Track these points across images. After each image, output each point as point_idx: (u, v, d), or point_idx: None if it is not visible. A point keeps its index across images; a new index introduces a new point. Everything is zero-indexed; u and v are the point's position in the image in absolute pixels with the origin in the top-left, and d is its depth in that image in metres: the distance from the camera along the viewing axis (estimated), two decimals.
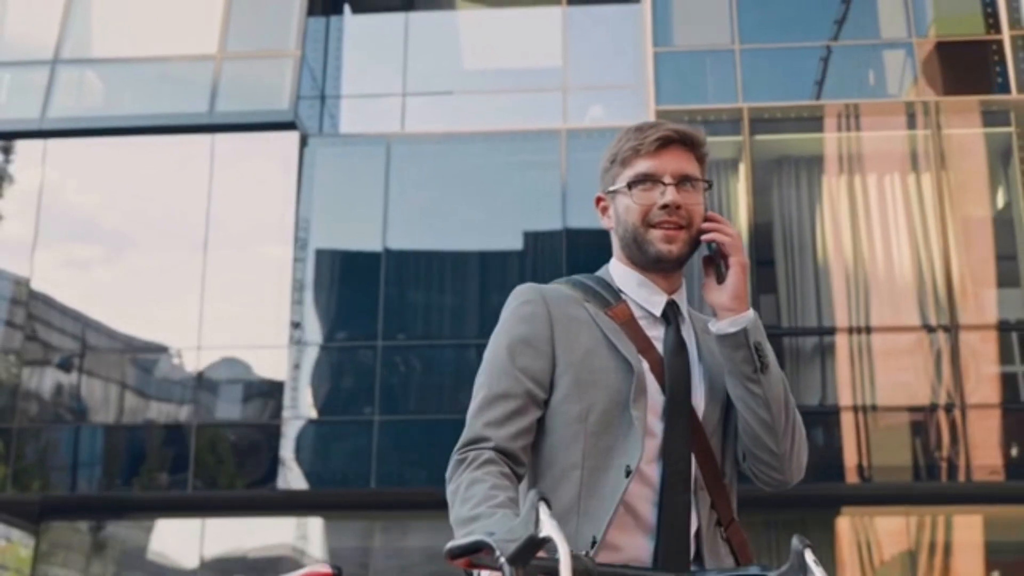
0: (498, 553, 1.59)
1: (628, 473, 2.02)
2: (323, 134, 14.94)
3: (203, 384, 13.60)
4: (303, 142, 13.98)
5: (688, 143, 2.20)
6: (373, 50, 15.60)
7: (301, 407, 13.27)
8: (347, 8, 16.06)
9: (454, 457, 2.03)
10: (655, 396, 2.09)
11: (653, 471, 2.07)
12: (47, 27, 14.59)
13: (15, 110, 14.39)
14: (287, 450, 13.11)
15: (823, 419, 12.31)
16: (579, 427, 2.07)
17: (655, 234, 2.15)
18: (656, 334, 2.17)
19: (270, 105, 13.83)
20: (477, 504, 1.87)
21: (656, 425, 2.08)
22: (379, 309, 13.24)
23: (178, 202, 14.06)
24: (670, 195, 2.14)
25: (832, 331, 12.67)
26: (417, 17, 15.55)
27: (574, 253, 13.20)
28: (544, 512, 1.64)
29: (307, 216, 13.70)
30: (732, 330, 2.09)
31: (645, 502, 2.06)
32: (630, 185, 2.17)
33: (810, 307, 12.91)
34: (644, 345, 2.13)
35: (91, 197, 14.62)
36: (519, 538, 1.60)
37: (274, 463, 13.10)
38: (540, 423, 2.11)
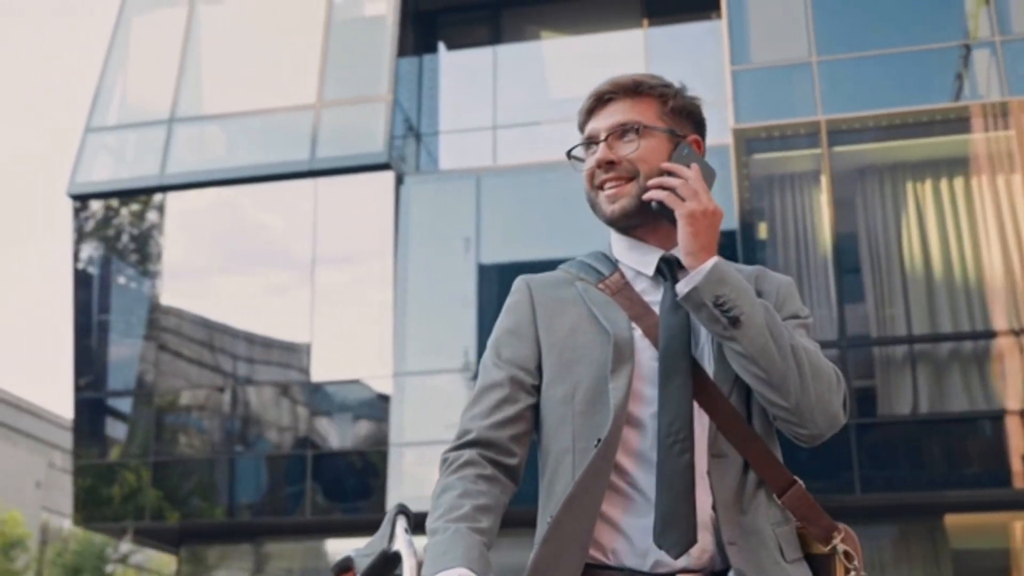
0: (357, 570, 1.57)
1: (596, 444, 1.86)
2: (419, 172, 15.63)
3: (316, 411, 14.49)
4: (398, 181, 14.70)
5: (630, 92, 2.05)
6: (464, 86, 16.21)
7: (406, 433, 13.95)
8: (441, 46, 16.71)
9: (441, 458, 1.95)
10: (650, 362, 1.93)
11: (649, 441, 1.90)
12: (163, 88, 15.72)
13: (139, 167, 15.57)
14: (392, 475, 13.81)
15: (931, 428, 12.32)
16: (566, 409, 1.93)
17: (602, 196, 2.04)
18: (657, 297, 2.01)
19: (366, 148, 14.57)
20: (439, 516, 1.79)
21: (651, 391, 1.92)
22: (474, 338, 13.85)
23: (286, 244, 14.99)
24: (600, 152, 2.02)
25: (922, 339, 12.64)
26: (504, 50, 16.08)
27: None
28: (400, 525, 1.60)
29: (404, 252, 14.40)
30: (684, 290, 1.90)
31: (645, 476, 1.89)
32: (568, 155, 2.11)
33: (899, 315, 12.91)
34: (639, 311, 1.98)
35: (204, 245, 15.70)
36: (373, 553, 1.57)
37: (383, 488, 13.84)
38: (539, 413, 2.00)
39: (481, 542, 1.76)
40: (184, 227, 15.74)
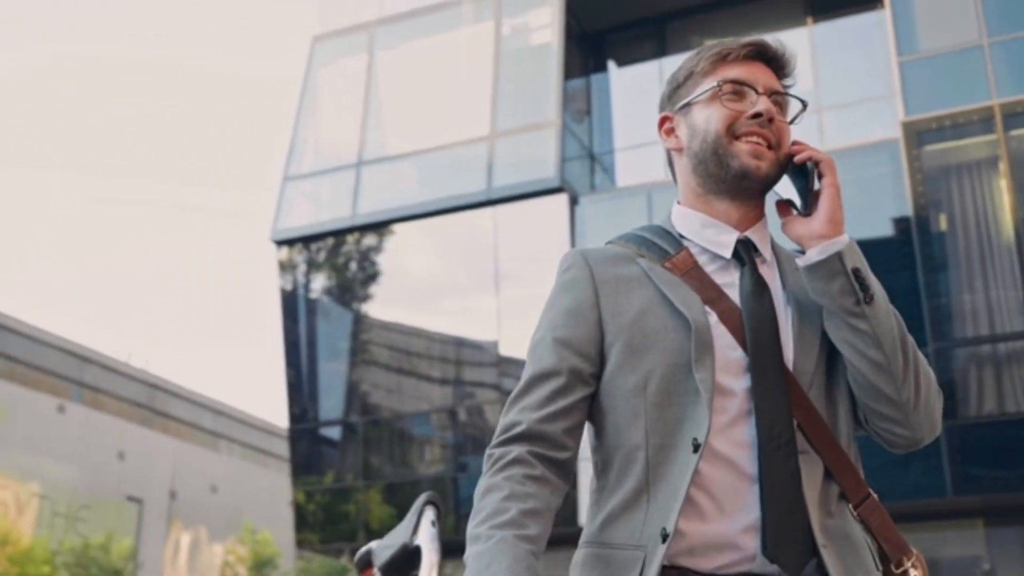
0: (376, 563, 1.48)
1: (696, 448, 1.70)
2: (594, 192, 15.98)
3: None
4: (573, 202, 15.09)
5: (777, 63, 1.94)
6: (634, 101, 16.44)
7: None
8: (610, 64, 17.01)
9: (486, 454, 1.80)
10: (729, 351, 1.77)
11: (740, 440, 1.74)
12: (350, 133, 16.69)
13: (334, 210, 16.59)
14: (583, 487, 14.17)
15: None
16: (638, 401, 1.76)
17: (741, 147, 1.84)
18: (729, 280, 1.86)
19: (539, 174, 15.04)
20: (482, 521, 1.66)
21: (735, 384, 1.76)
22: None
23: (471, 272, 15.65)
24: (763, 103, 1.85)
25: None
26: (670, 62, 16.19)
27: None
28: (427, 518, 1.51)
29: None
30: (822, 256, 1.75)
31: (736, 478, 1.72)
32: (720, 86, 1.88)
33: None
34: (712, 294, 1.82)
35: (397, 275, 16.57)
36: (394, 545, 1.48)
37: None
38: (598, 403, 1.84)
39: (529, 552, 1.63)
40: (382, 260, 16.65)
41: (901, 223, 13.32)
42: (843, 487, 1.77)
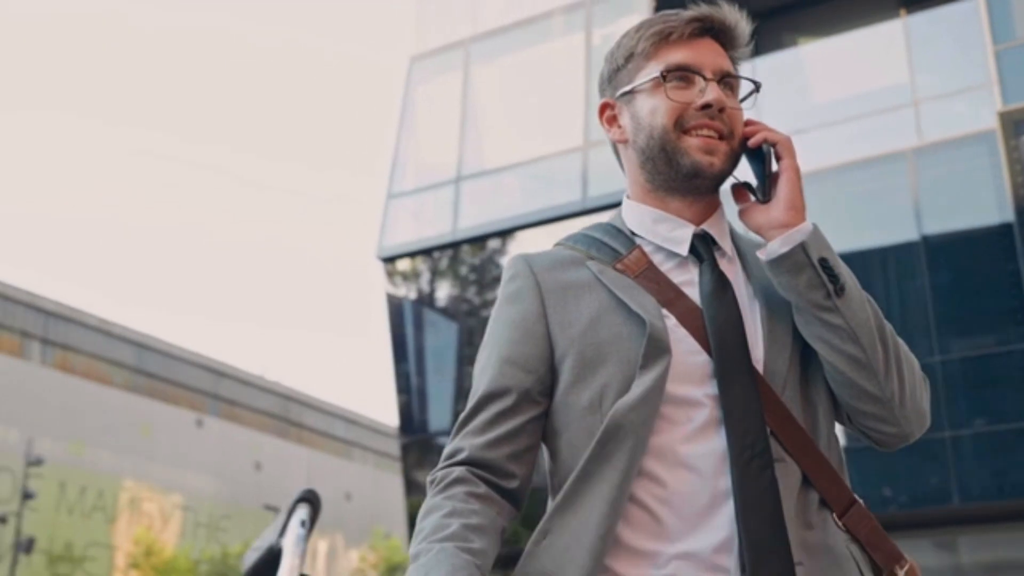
0: (243, 566, 1.39)
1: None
2: None
3: None
4: None
5: (726, 36, 1.76)
6: None
7: None
8: None
9: (427, 479, 1.69)
10: (690, 357, 1.62)
11: (706, 453, 1.58)
12: (448, 149, 17.06)
13: (436, 225, 16.99)
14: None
15: None
16: (593, 419, 1.61)
17: (691, 142, 1.68)
18: (688, 278, 1.71)
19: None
20: (424, 539, 1.54)
21: (699, 392, 1.61)
22: None
23: None
24: (712, 92, 1.68)
25: None
26: (763, 62, 16.11)
27: (936, 266, 13.17)
28: (297, 516, 1.38)
29: None
30: (785, 249, 1.62)
31: (706, 493, 1.57)
32: (663, 76, 1.71)
33: None
34: (670, 295, 1.67)
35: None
36: (261, 548, 1.37)
37: None
38: (551, 423, 1.69)
39: (471, 563, 1.50)
40: (487, 271, 16.97)
41: (1001, 215, 13.03)
42: (824, 495, 1.62)
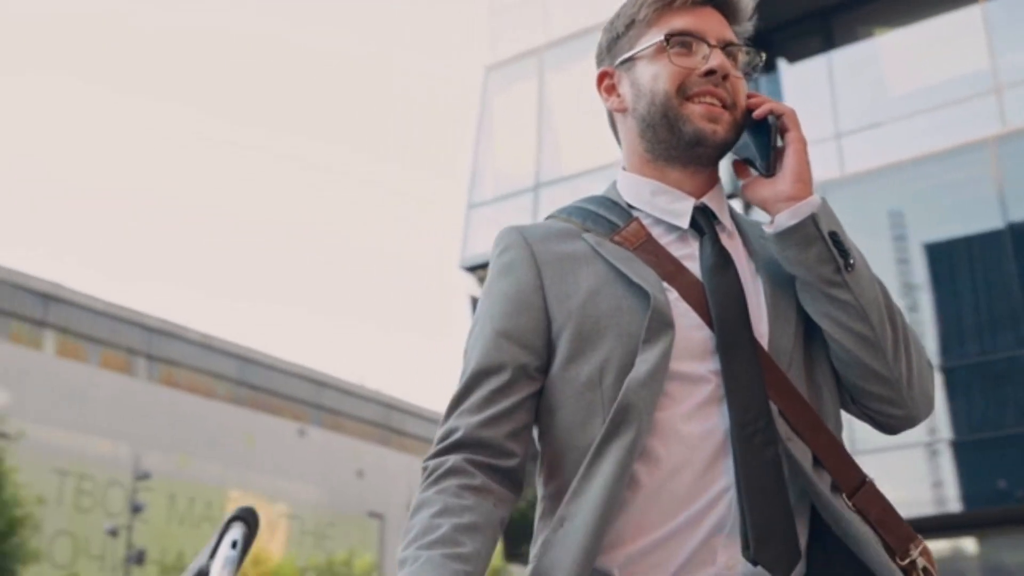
0: None
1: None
2: None
3: None
4: (747, 208, 15.05)
5: (729, 7, 1.73)
6: (803, 99, 16.24)
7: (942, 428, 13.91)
8: (780, 63, 16.86)
9: (420, 467, 1.60)
10: (693, 332, 1.56)
11: (707, 430, 1.52)
12: (526, 157, 17.20)
13: None
14: (944, 471, 13.82)
15: None
16: (593, 395, 1.55)
17: (694, 109, 1.64)
18: (687, 252, 1.66)
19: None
20: (410, 543, 1.47)
21: (702, 367, 1.55)
22: None
23: None
24: (716, 58, 1.65)
25: None
26: (839, 55, 15.94)
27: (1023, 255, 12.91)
28: (230, 537, 1.32)
29: None
30: (794, 221, 1.57)
31: (707, 471, 1.51)
32: (667, 40, 1.67)
33: None
34: (670, 269, 1.61)
35: None
36: (192, 570, 1.32)
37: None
38: (545, 400, 1.62)
39: (461, 572, 1.43)
40: None
41: None
42: (835, 475, 1.56)
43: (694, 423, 1.54)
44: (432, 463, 1.57)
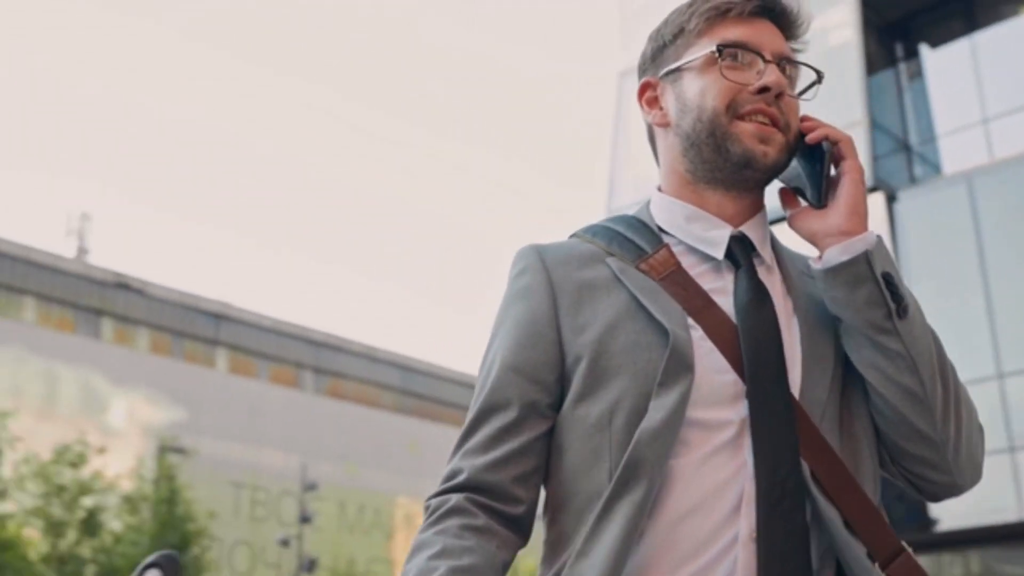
0: None
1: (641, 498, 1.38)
2: (914, 185, 15.43)
3: None
4: (890, 200, 14.70)
5: (786, 20, 1.59)
6: (946, 85, 15.73)
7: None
8: (922, 49, 16.38)
9: (423, 505, 1.53)
10: (716, 375, 1.43)
11: (723, 482, 1.40)
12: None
13: None
14: None
15: None
16: (601, 437, 1.43)
17: (744, 128, 1.50)
18: (719, 285, 1.52)
19: None
20: None
21: (724, 415, 1.42)
22: None
23: None
24: (772, 74, 1.50)
25: None
26: (983, 37, 15.39)
27: None
28: None
29: (907, 269, 14.35)
30: (845, 257, 1.43)
31: (714, 532, 1.39)
32: (719, 51, 1.53)
33: None
34: (698, 303, 1.48)
35: None
36: None
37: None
38: (555, 439, 1.51)
39: None
40: None
41: None
42: (868, 543, 1.40)
43: (709, 470, 1.40)
44: (434, 502, 1.49)
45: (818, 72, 1.59)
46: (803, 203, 1.55)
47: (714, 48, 1.53)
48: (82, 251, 41.17)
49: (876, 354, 1.45)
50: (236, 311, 41.16)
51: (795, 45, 1.60)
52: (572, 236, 1.64)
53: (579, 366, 1.48)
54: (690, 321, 1.47)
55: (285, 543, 28.21)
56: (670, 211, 1.59)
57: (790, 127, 1.53)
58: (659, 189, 1.65)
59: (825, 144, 1.52)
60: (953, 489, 1.54)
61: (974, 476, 1.54)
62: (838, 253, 1.45)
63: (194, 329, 40.39)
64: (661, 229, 1.59)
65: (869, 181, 14.47)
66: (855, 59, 15.17)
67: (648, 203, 1.65)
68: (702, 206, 1.57)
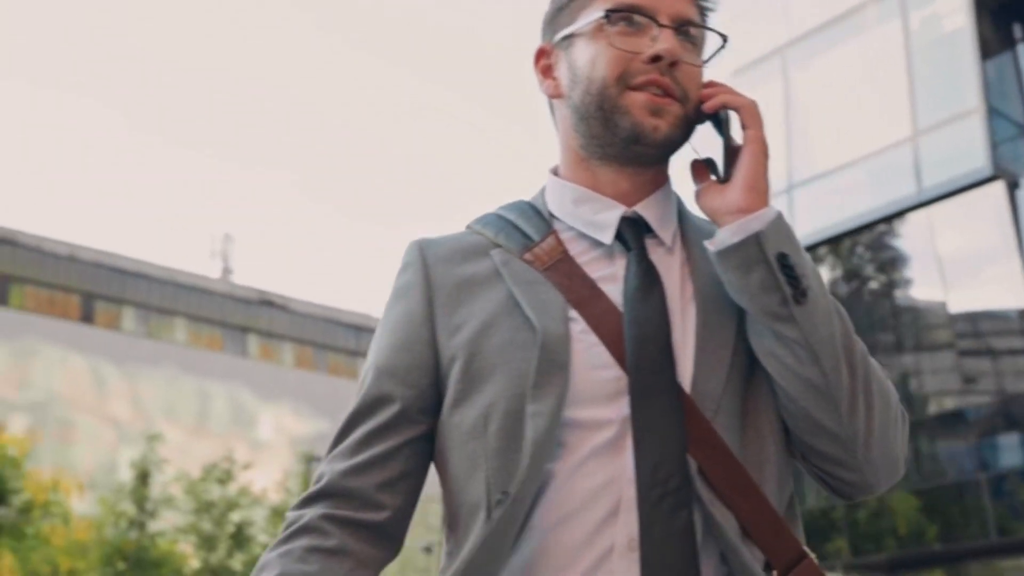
0: None
1: (496, 503, 1.30)
2: None
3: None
4: (1012, 187, 14.26)
5: None
6: None
7: None
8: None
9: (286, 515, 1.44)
10: (597, 372, 1.34)
11: (602, 485, 1.30)
12: (776, 160, 16.96)
13: None
14: None
15: None
16: (476, 444, 1.34)
17: (635, 99, 1.39)
18: (609, 272, 1.42)
19: (969, 166, 14.40)
20: None
21: (606, 413, 1.32)
22: None
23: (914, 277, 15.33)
24: (665, 41, 1.38)
25: None
26: None
27: None
28: None
29: None
30: (736, 239, 1.32)
31: (591, 539, 1.29)
32: (608, 17, 1.41)
33: None
34: (584, 294, 1.38)
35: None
36: None
37: None
38: (439, 446, 1.42)
39: None
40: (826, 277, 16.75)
41: None
42: (765, 549, 1.30)
43: (584, 474, 1.30)
44: (291, 515, 1.41)
45: (723, 36, 1.47)
46: (713, 176, 1.43)
47: (603, 13, 1.42)
48: (227, 271, 42.73)
49: (775, 343, 1.32)
50: (375, 322, 41.99)
51: (705, 4, 1.47)
52: (467, 227, 1.54)
53: (453, 369, 1.39)
54: (572, 314, 1.37)
55: (428, 550, 28.70)
56: (560, 194, 1.50)
57: (688, 97, 1.41)
58: (552, 171, 1.54)
59: (722, 113, 1.41)
60: (865, 488, 1.41)
61: (890, 473, 1.41)
62: (729, 234, 1.33)
63: (336, 342, 41.47)
64: (552, 215, 1.50)
65: (988, 169, 14.09)
66: (969, 44, 14.75)
67: (544, 187, 1.55)
68: (595, 185, 1.47)
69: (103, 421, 35.02)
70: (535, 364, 1.32)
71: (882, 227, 15.70)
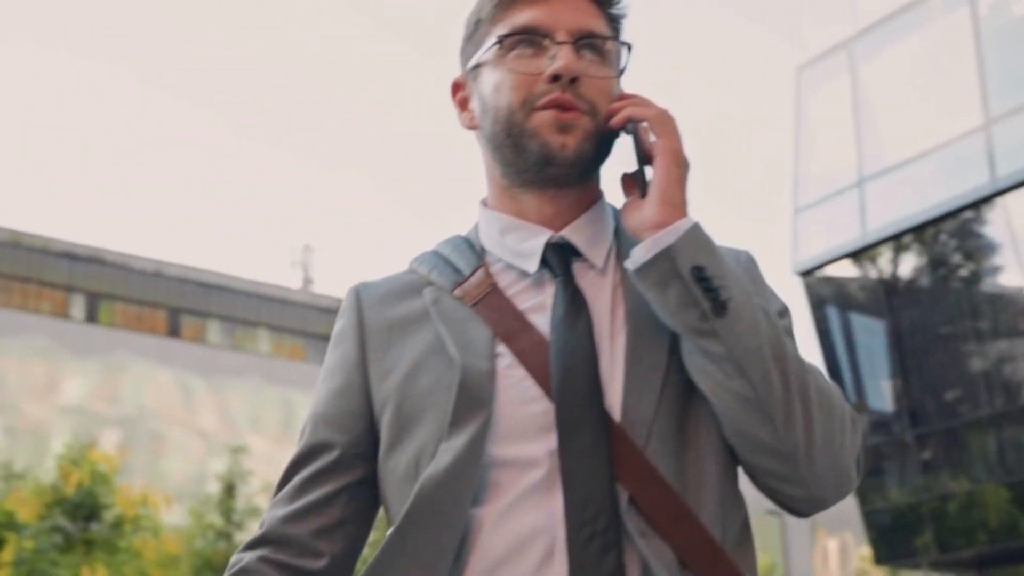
0: None
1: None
2: None
3: None
4: None
5: None
6: None
7: None
8: None
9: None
10: (524, 406, 1.31)
11: (538, 526, 1.25)
12: (846, 154, 16.79)
13: (844, 231, 16.74)
14: None
15: None
16: (410, 490, 1.30)
17: (541, 119, 1.35)
18: (538, 301, 1.39)
19: None
20: None
21: (535, 449, 1.28)
22: None
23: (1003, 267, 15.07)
24: (562, 58, 1.35)
25: None
26: None
27: None
28: None
29: None
30: (649, 256, 1.28)
31: None
32: (500, 44, 1.39)
33: None
34: (513, 327, 1.35)
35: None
36: None
37: None
38: (381, 491, 1.41)
39: None
40: (901, 275, 16.51)
41: None
42: None
43: (515, 516, 1.26)
44: (234, 557, 1.40)
45: (627, 44, 1.43)
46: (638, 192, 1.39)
47: (497, 39, 1.40)
48: (307, 281, 43.34)
49: (703, 359, 1.28)
50: None
51: (614, 11, 1.43)
52: (409, 266, 1.52)
53: (385, 414, 1.38)
54: (500, 348, 1.34)
55: None
56: (489, 225, 1.47)
57: (596, 110, 1.37)
58: (482, 203, 1.51)
59: (629, 126, 1.37)
60: (815, 503, 1.34)
61: (839, 485, 1.33)
62: (643, 251, 1.29)
63: None
64: (483, 248, 1.47)
65: None
66: None
67: (478, 220, 1.52)
68: (520, 213, 1.44)
69: (191, 433, 35.73)
70: (455, 402, 1.30)
71: (968, 214, 15.42)
